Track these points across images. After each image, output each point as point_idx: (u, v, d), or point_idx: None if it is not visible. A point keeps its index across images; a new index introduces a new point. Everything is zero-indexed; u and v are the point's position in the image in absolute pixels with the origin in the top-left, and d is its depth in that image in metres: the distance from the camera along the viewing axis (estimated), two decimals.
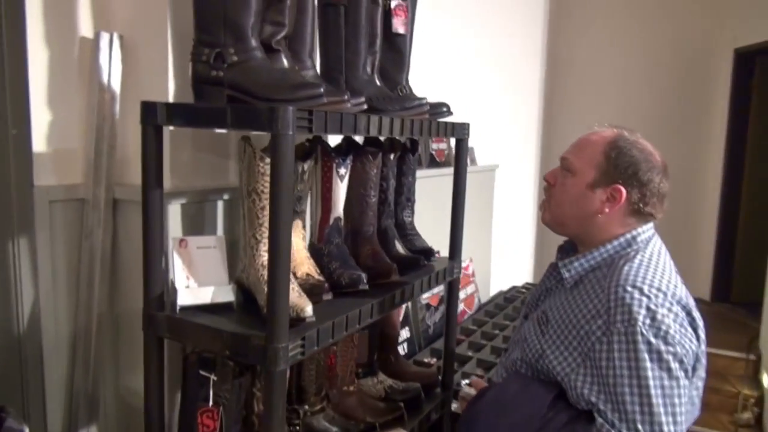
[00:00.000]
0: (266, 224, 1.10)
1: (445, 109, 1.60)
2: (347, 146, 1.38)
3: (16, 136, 1.18)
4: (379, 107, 1.35)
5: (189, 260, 1.16)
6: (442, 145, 2.62)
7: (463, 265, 2.85)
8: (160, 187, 1.08)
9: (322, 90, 1.04)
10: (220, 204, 1.40)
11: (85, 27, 1.30)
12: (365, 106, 1.27)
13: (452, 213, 1.66)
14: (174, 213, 1.29)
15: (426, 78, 2.46)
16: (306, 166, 1.24)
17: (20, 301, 1.21)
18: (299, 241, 1.26)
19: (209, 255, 1.17)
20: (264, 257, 1.11)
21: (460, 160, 1.64)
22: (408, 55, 1.61)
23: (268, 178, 1.09)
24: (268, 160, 1.09)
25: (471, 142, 3.04)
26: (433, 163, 2.54)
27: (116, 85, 1.31)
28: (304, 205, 1.27)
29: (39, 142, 1.24)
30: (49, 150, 1.26)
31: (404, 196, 1.64)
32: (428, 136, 1.43)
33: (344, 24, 1.35)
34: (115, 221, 1.34)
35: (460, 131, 1.59)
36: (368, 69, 1.47)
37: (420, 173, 2.35)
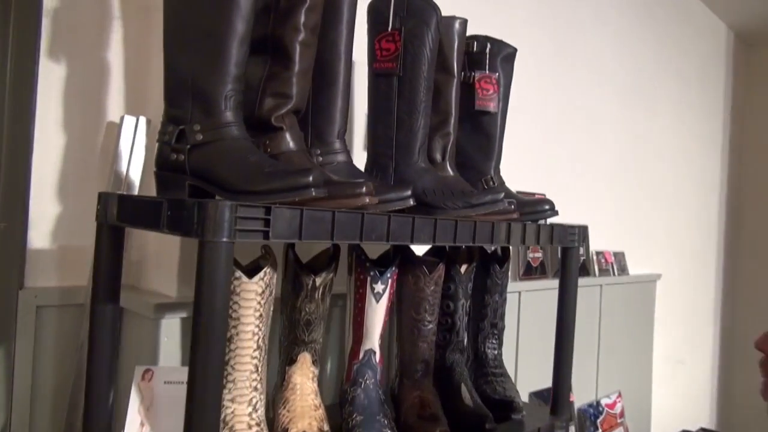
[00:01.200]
0: (231, 361, 0.80)
1: (547, 208, 1.21)
2: (394, 254, 1.05)
3: (5, 230, 1.04)
4: (433, 204, 1.01)
5: (150, 399, 0.88)
6: None
7: (609, 401, 2.25)
8: (114, 301, 0.84)
9: (310, 179, 0.74)
10: None
11: (113, 111, 1.16)
12: (410, 202, 0.94)
13: (556, 347, 1.21)
14: (171, 329, 1.04)
15: (548, 168, 2.05)
16: (318, 281, 0.92)
17: None
18: (306, 382, 0.93)
19: (178, 393, 0.89)
20: (228, 409, 0.79)
21: (566, 275, 1.20)
22: (498, 138, 1.27)
23: (244, 301, 0.79)
24: (238, 274, 0.79)
25: (621, 247, 2.51)
26: None
27: (136, 175, 1.14)
28: (317, 333, 0.94)
29: (39, 238, 1.09)
30: (52, 247, 1.10)
31: (487, 321, 1.23)
32: (510, 244, 1.04)
33: (396, 98, 1.06)
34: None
35: (565, 237, 1.17)
36: (437, 154, 1.16)
37: (539, 284, 1.91)
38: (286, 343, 0.94)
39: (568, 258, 1.20)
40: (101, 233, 0.83)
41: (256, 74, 0.88)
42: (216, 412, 0.63)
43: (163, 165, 0.79)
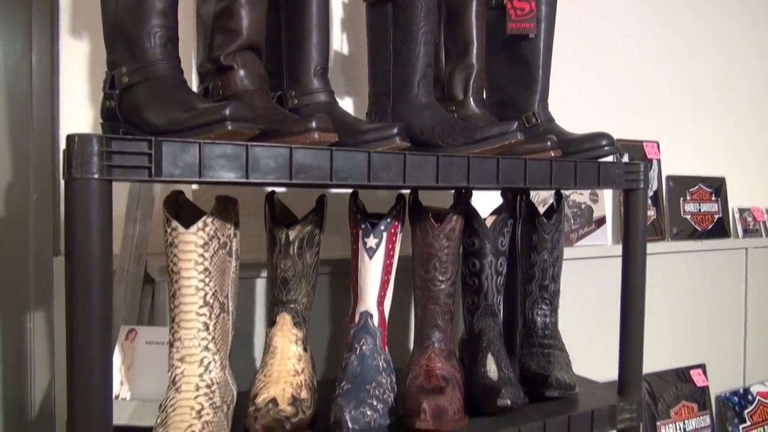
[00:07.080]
0: (176, 318, 0.74)
1: (603, 143, 0.98)
2: (397, 203, 0.92)
3: (38, 201, 1.10)
4: (430, 143, 0.87)
5: (131, 359, 0.86)
6: (708, 206, 1.78)
7: (764, 389, 1.85)
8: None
9: (227, 112, 0.65)
10: None
11: None
12: (396, 141, 0.81)
13: (621, 314, 0.99)
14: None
15: (673, 110, 1.73)
16: (292, 234, 0.83)
17: (33, 382, 1.09)
18: (288, 345, 0.84)
19: (158, 354, 0.86)
20: (177, 369, 0.74)
21: (629, 225, 0.97)
22: (542, 67, 1.06)
23: (182, 254, 0.73)
24: (174, 224, 0.73)
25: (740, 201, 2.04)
26: (690, 231, 1.73)
27: None
28: (296, 292, 0.85)
29: None
30: None
31: (535, 283, 1.04)
32: (530, 185, 0.86)
33: (392, 28, 0.93)
34: (152, 298, 1.14)
35: (618, 176, 0.94)
36: (458, 90, 1.01)
37: (658, 247, 1.61)
38: (268, 303, 0.87)
39: (630, 203, 0.97)
40: None
41: (209, 12, 0.81)
42: (101, 371, 0.58)
43: (103, 115, 0.76)
